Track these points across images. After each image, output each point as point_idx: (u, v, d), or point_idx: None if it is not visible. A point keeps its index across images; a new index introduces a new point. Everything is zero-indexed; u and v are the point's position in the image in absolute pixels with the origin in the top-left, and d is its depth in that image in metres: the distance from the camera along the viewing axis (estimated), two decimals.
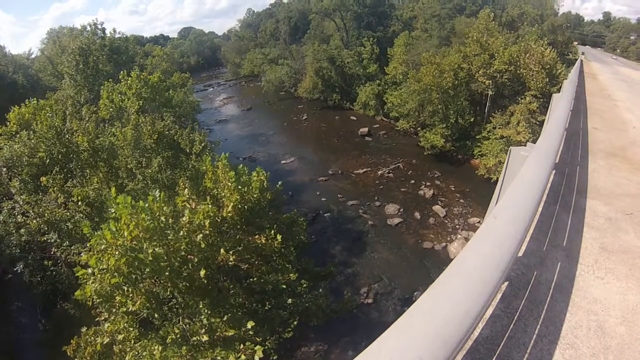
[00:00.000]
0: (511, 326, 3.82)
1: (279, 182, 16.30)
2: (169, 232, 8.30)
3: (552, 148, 6.55)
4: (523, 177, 5.01)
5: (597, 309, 4.18)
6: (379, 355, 2.16)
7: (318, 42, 64.59)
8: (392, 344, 2.25)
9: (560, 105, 11.19)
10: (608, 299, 4.36)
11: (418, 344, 2.24)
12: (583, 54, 57.33)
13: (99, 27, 37.61)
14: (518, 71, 36.90)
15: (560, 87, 17.85)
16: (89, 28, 36.87)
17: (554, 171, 7.77)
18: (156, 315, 8.71)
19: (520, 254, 4.95)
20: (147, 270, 7.68)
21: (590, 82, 26.59)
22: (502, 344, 3.58)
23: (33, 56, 49.16)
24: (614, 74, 36.42)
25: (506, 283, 4.44)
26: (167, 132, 18.92)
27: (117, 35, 39.22)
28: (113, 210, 8.02)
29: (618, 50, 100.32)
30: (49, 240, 14.82)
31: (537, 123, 32.34)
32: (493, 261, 3.10)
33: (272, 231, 11.61)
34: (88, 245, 8.17)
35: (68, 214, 14.34)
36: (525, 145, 7.32)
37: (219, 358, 7.82)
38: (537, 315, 4.01)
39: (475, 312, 2.55)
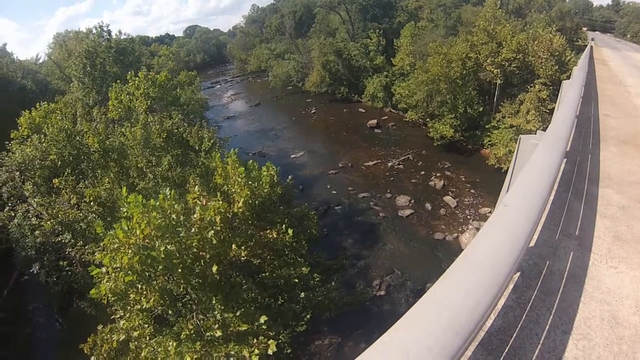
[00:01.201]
0: (524, 317, 3.81)
1: (290, 177, 16.38)
2: (180, 229, 8.37)
3: (562, 136, 6.47)
4: (533, 165, 4.96)
5: (611, 299, 4.14)
6: (390, 346, 2.17)
7: (324, 36, 64.37)
8: (403, 335, 2.25)
9: (571, 92, 11.04)
10: (621, 288, 4.31)
11: (429, 335, 2.24)
12: (593, 39, 56.33)
13: (105, 29, 37.87)
14: (527, 59, 36.38)
15: (570, 74, 17.59)
16: (94, 31, 37.08)
17: (565, 159, 7.69)
18: (170, 312, 8.83)
19: (532, 244, 4.92)
20: (160, 267, 7.77)
21: (600, 68, 26.16)
22: (514, 335, 3.57)
23: (41, 61, 49.65)
24: (624, 59, 35.74)
25: (518, 273, 4.42)
26: (175, 130, 19.05)
27: (122, 37, 39.34)
28: (125, 210, 8.11)
29: (628, 35, 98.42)
30: (63, 241, 15.02)
31: (547, 111, 31.95)
32: (504, 251, 3.08)
33: (284, 225, 11.67)
34: (101, 244, 8.26)
35: (81, 214, 14.53)
36: (535, 134, 7.24)
37: (232, 353, 7.86)
38: (550, 306, 3.98)
39: (486, 302, 2.54)
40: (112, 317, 9.63)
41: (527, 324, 3.71)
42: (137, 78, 21.89)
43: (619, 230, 5.50)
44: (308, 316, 12.79)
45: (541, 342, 3.53)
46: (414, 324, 2.36)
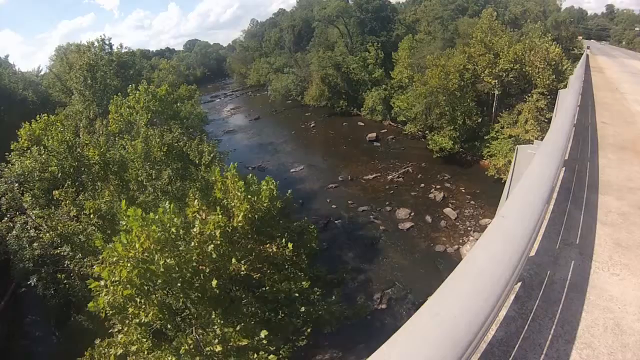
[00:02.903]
0: (526, 327, 3.76)
1: (289, 191, 16.35)
2: (180, 243, 8.35)
3: (559, 144, 6.47)
4: (530, 174, 4.95)
5: (614, 306, 4.10)
6: (389, 357, 2.14)
7: (323, 49, 64.84)
8: (401, 346, 2.22)
9: (567, 100, 11.08)
10: (624, 295, 4.27)
11: (427, 346, 2.21)
12: (588, 48, 56.81)
13: (107, 42, 38.17)
14: (524, 69, 36.66)
15: (567, 83, 17.69)
16: (96, 44, 37.36)
17: (563, 168, 7.68)
18: (169, 326, 8.76)
19: (532, 253, 4.88)
20: (159, 281, 7.73)
21: (597, 76, 26.30)
22: (517, 346, 3.52)
23: (42, 73, 49.91)
24: (620, 66, 35.99)
25: (519, 284, 4.38)
26: (176, 144, 19.07)
27: (123, 50, 39.64)
28: (124, 223, 8.09)
29: (624, 42, 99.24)
30: (61, 253, 14.98)
31: (546, 120, 32.05)
32: (503, 260, 3.05)
33: (283, 239, 11.65)
34: (100, 257, 8.22)
35: (80, 226, 14.49)
36: (532, 143, 7.25)
37: None
38: (552, 316, 3.94)
39: (485, 312, 2.51)
40: (109, 331, 9.57)
41: (530, 335, 3.67)
42: (137, 91, 21.97)
43: (619, 237, 5.47)
44: (308, 330, 12.66)
45: (544, 352, 3.49)
46: (412, 336, 2.33)
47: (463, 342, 2.26)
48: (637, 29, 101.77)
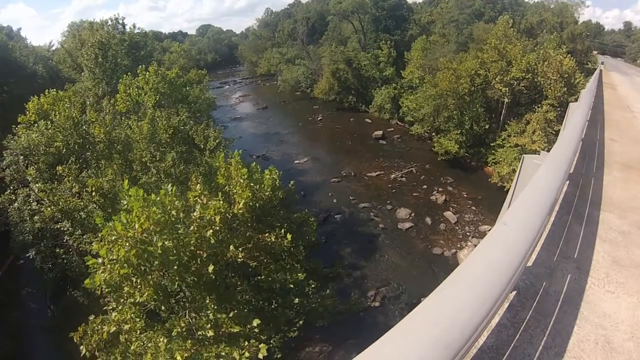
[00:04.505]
0: (517, 336, 3.79)
1: (292, 182, 16.36)
2: (179, 226, 8.38)
3: (566, 157, 6.47)
4: (535, 185, 4.95)
5: (606, 323, 4.12)
6: (381, 355, 2.16)
7: (335, 44, 64.67)
8: (393, 345, 2.25)
9: (577, 114, 11.04)
10: (617, 313, 4.29)
11: (419, 347, 2.23)
12: (602, 63, 56.31)
13: (120, 21, 38.11)
14: (536, 79, 36.36)
15: (578, 97, 17.60)
16: (109, 22, 37.31)
17: (568, 181, 7.67)
18: (163, 308, 8.81)
19: (529, 264, 4.90)
20: (156, 262, 7.77)
21: (609, 93, 26.16)
22: (507, 354, 3.55)
23: (54, 48, 49.86)
24: (633, 84, 35.75)
25: (514, 292, 4.40)
26: (182, 128, 19.09)
27: (136, 31, 39.59)
28: (125, 202, 8.11)
29: (639, 61, 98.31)
30: (61, 229, 15.06)
31: (554, 132, 31.87)
32: (500, 268, 3.07)
33: (283, 230, 11.68)
34: (99, 235, 8.26)
35: (82, 203, 14.54)
36: (539, 154, 7.24)
37: (223, 354, 7.84)
38: (544, 327, 3.96)
39: (478, 318, 2.53)
40: (104, 309, 9.65)
41: (520, 344, 3.69)
42: (147, 72, 21.97)
43: (618, 255, 5.48)
44: (301, 322, 12.75)
45: None
46: (405, 335, 2.35)
47: (455, 345, 2.28)
48: None
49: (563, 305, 4.34)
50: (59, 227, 15.16)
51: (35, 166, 17.00)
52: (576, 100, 16.77)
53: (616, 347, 3.77)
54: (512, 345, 3.66)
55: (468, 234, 27.90)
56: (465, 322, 2.45)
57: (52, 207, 14.49)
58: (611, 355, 3.67)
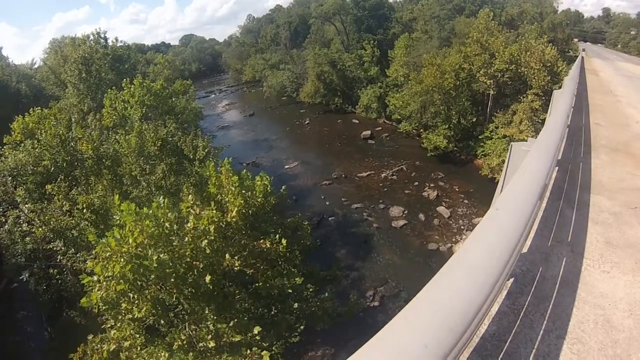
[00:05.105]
0: (518, 322, 3.80)
1: (283, 187, 16.28)
2: (173, 238, 8.32)
3: (553, 142, 6.52)
4: (525, 170, 4.98)
5: (604, 303, 4.16)
6: (387, 343, 2.17)
7: (319, 46, 64.69)
8: (398, 332, 2.25)
9: (562, 101, 11.16)
10: (614, 292, 4.34)
11: (424, 332, 2.24)
12: (584, 50, 57.12)
13: (102, 36, 37.93)
14: (519, 70, 36.77)
15: (562, 84, 17.81)
16: (91, 37, 37.12)
17: (557, 167, 7.75)
18: (162, 322, 8.73)
19: (524, 250, 4.93)
20: (153, 276, 7.70)
21: (591, 79, 26.52)
22: (509, 340, 3.56)
23: (36, 66, 49.50)
24: (615, 69, 36.26)
25: (511, 279, 4.42)
26: (170, 139, 18.97)
27: (119, 44, 39.48)
28: (117, 218, 8.05)
29: (619, 46, 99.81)
30: (54, 248, 14.85)
31: (540, 121, 32.19)
32: (496, 253, 3.08)
33: (277, 235, 11.64)
34: (93, 252, 8.17)
35: (73, 221, 14.38)
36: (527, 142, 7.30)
37: None
38: (544, 311, 3.99)
39: (478, 302, 2.54)
40: (102, 327, 9.52)
41: (522, 329, 3.71)
42: (132, 86, 21.86)
43: (610, 236, 5.55)
44: (301, 327, 12.68)
45: (535, 347, 3.53)
46: (409, 322, 2.35)
47: (459, 330, 2.29)
48: (632, 32, 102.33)
49: (560, 288, 4.37)
50: (51, 247, 14.94)
51: (24, 186, 16.78)
52: (560, 87, 16.94)
53: (616, 325, 3.80)
54: (514, 331, 3.68)
55: (462, 227, 28.03)
56: (467, 307, 2.47)
57: (44, 227, 14.33)
58: (612, 333, 3.70)
